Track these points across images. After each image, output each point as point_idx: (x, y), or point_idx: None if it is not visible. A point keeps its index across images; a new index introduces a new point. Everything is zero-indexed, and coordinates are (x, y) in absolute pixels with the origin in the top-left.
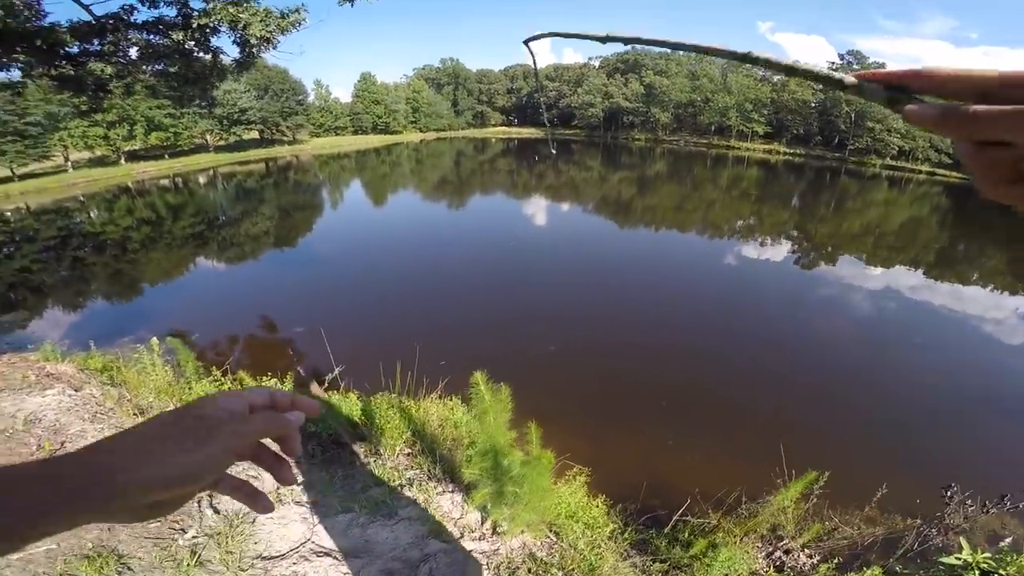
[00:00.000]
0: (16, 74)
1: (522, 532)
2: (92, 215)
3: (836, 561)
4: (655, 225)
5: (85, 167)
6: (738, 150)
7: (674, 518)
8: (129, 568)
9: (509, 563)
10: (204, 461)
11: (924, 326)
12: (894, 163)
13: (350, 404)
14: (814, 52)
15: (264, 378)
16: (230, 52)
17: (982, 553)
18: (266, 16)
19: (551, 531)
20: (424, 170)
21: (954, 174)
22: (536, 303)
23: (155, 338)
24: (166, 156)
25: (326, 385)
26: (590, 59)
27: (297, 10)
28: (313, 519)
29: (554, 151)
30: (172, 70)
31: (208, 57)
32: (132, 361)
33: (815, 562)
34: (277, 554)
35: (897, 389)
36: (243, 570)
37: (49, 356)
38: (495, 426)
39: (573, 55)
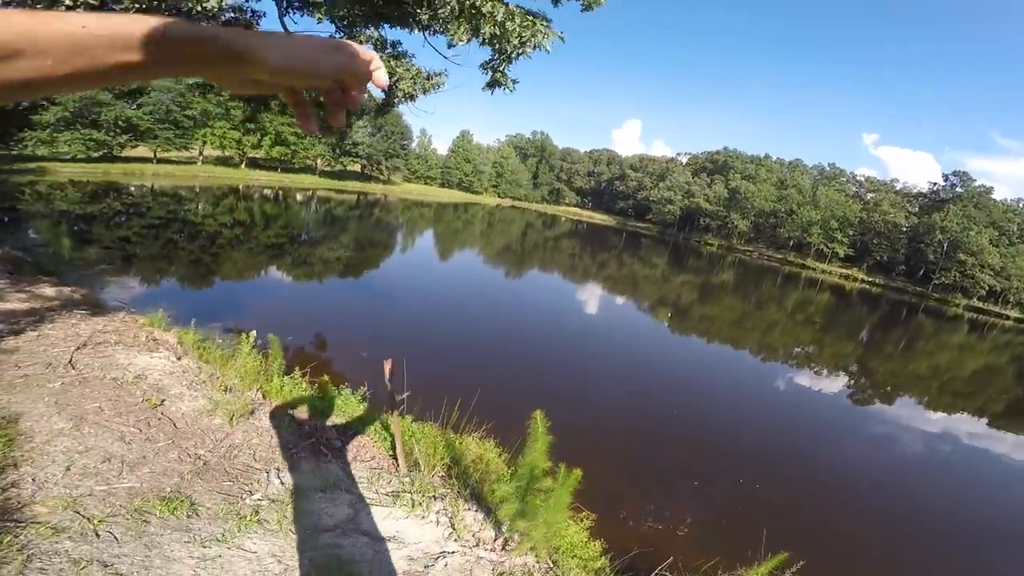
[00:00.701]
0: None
1: (529, 551)
2: (199, 206)
3: None
4: (707, 336)
5: (211, 164)
6: (813, 271)
7: (660, 568)
8: (197, 514)
9: (511, 570)
10: (324, 62)
11: (979, 472)
12: (981, 305)
13: (405, 425)
14: (919, 170)
15: (342, 386)
16: (374, 96)
17: None
18: (416, 75)
19: (551, 559)
20: (493, 234)
21: None
22: (573, 381)
23: (254, 331)
24: (279, 169)
25: (403, 406)
26: (678, 154)
27: (440, 74)
28: (357, 506)
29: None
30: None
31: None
32: (218, 345)
33: None
34: (324, 528)
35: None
36: (294, 534)
37: (155, 323)
38: (539, 452)
39: (663, 148)
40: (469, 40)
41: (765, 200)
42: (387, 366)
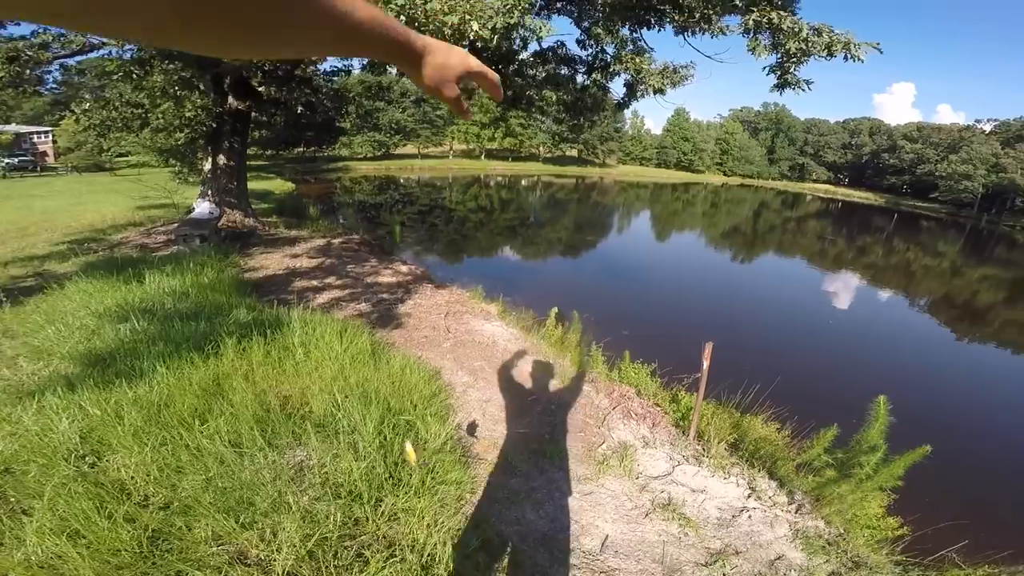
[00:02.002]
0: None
1: (826, 515)
2: (451, 195)
3: None
4: (1009, 348)
5: (459, 157)
6: None
7: (946, 550)
8: (570, 457)
9: (804, 529)
10: (462, 64)
11: None
12: None
13: (689, 400)
14: None
15: (641, 364)
16: (617, 92)
17: None
18: (664, 70)
19: (843, 527)
20: (717, 215)
21: None
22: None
23: (556, 308)
24: (509, 158)
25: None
26: (977, 121)
27: (687, 66)
28: (671, 462)
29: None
30: (566, 98)
31: (598, 93)
32: (520, 317)
33: None
34: (652, 476)
35: None
36: (634, 479)
37: (476, 297)
38: (876, 431)
39: (951, 114)
40: (769, 55)
41: None
42: (707, 348)
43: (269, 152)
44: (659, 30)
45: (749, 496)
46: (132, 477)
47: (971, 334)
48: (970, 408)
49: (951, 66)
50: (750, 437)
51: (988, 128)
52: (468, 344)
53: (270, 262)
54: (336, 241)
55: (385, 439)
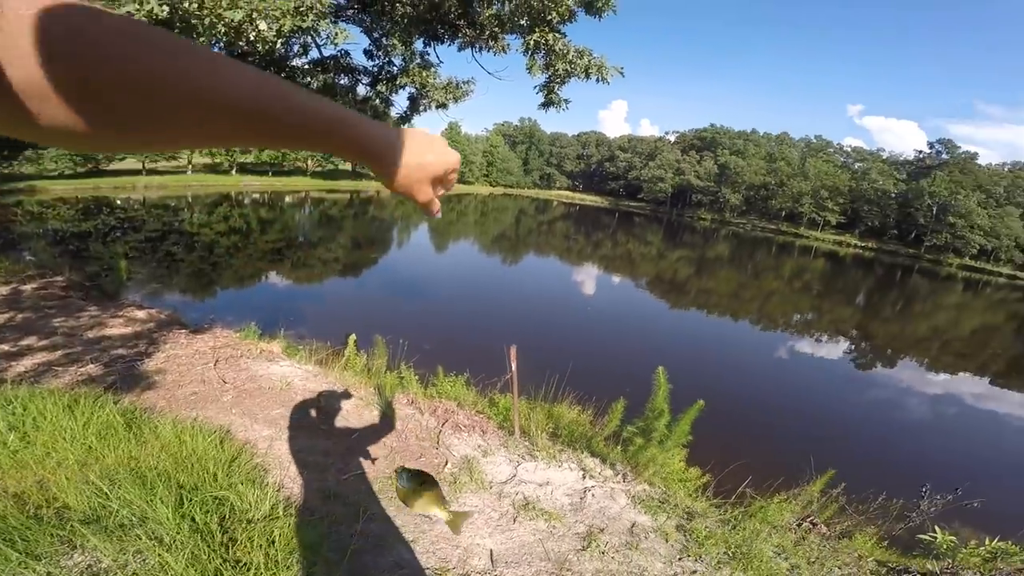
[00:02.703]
0: None
1: (646, 479)
2: (194, 216)
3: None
4: (706, 309)
5: (202, 172)
6: (806, 239)
7: (740, 487)
8: None
9: (637, 495)
10: (441, 163)
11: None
12: (973, 263)
13: (507, 402)
14: (904, 138)
15: (455, 376)
16: (399, 105)
17: (948, 536)
18: (449, 85)
19: (663, 485)
20: (487, 222)
21: None
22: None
23: (353, 334)
24: (270, 173)
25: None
26: (667, 133)
27: (468, 81)
28: (512, 464)
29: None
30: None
31: (380, 105)
32: (312, 349)
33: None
34: (502, 482)
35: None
36: (488, 489)
37: (251, 335)
38: (660, 399)
39: (649, 127)
40: (542, 74)
41: (755, 174)
42: (511, 352)
43: None
44: (449, 44)
45: (584, 477)
46: None
47: (680, 302)
48: (705, 361)
49: (649, 86)
50: (564, 423)
51: (672, 139)
52: (255, 393)
53: None
54: (29, 287)
55: (195, 522)
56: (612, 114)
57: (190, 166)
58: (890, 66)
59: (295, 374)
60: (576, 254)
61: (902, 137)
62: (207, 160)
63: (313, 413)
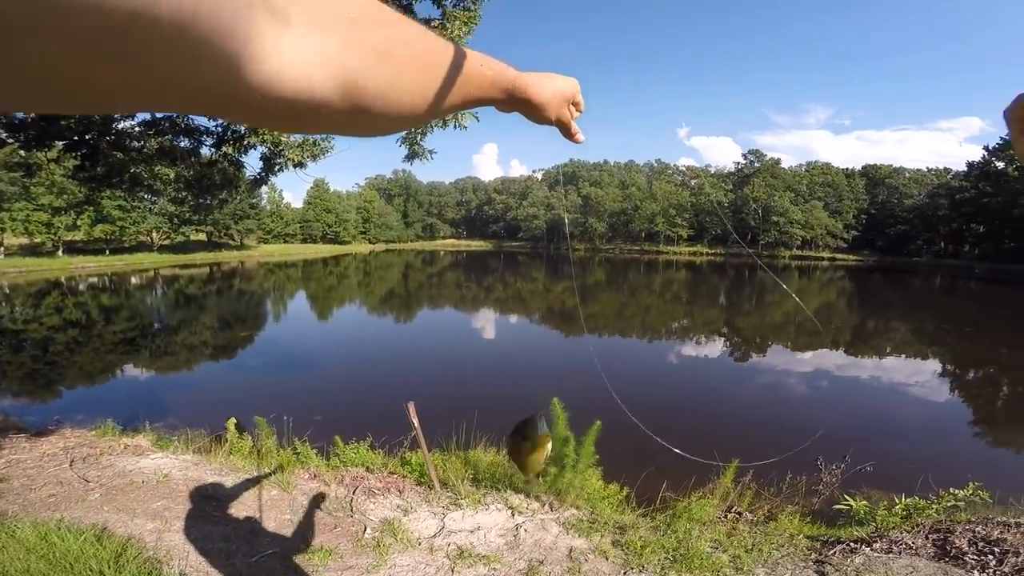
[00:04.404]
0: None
1: (572, 504)
2: (15, 311)
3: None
4: (596, 331)
5: (17, 255)
6: (667, 254)
7: (660, 492)
8: (343, 556)
9: (567, 520)
10: (568, 83)
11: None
12: (800, 253)
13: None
14: (724, 152)
15: (356, 442)
16: (252, 166)
17: (861, 502)
18: (304, 142)
19: (589, 506)
20: (372, 282)
21: (851, 257)
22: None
23: (233, 417)
24: (107, 251)
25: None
26: (534, 171)
27: (327, 138)
28: (438, 518)
29: None
30: (188, 174)
31: (229, 168)
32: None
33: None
34: (431, 536)
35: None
36: (418, 546)
37: (109, 432)
38: (561, 428)
39: (519, 167)
40: None
41: (613, 201)
42: (410, 408)
43: None
44: None
45: (513, 515)
46: None
47: (571, 330)
48: (599, 380)
49: (512, 127)
50: (483, 466)
51: (540, 176)
52: (127, 489)
53: None
54: None
55: None
56: (485, 157)
57: (1, 248)
58: (703, 86)
59: (172, 464)
60: (471, 301)
61: (722, 152)
62: (23, 240)
63: (202, 501)
